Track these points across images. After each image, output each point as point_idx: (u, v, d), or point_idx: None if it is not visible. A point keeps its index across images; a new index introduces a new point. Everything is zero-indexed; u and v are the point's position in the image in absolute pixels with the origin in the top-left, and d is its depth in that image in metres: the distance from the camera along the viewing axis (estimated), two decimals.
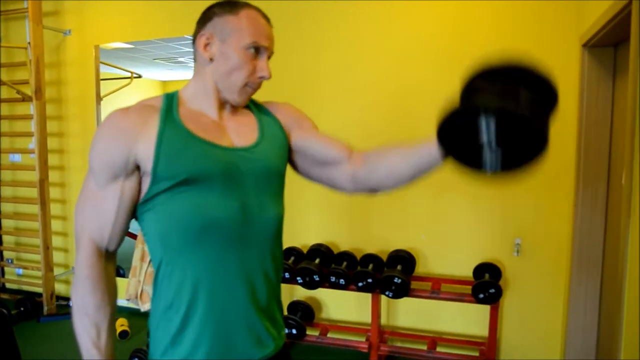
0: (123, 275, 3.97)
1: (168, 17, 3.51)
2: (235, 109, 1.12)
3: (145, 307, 2.17)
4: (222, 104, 1.10)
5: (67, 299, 3.95)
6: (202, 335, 1.00)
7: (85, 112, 3.83)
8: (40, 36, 3.56)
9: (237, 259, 1.03)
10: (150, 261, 2.08)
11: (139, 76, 4.40)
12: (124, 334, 3.25)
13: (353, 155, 1.15)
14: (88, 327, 0.99)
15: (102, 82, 3.87)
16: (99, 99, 3.81)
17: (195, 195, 0.98)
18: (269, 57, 1.09)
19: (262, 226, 1.06)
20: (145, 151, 0.97)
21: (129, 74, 4.28)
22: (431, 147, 0.99)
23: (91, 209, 1.00)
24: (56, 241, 3.92)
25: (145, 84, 4.65)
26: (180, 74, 5.08)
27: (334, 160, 1.14)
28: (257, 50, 1.05)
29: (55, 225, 3.90)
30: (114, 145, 0.97)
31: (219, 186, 1.00)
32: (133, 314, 3.48)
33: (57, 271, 3.89)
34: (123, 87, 4.19)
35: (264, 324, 1.07)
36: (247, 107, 1.17)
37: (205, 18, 1.07)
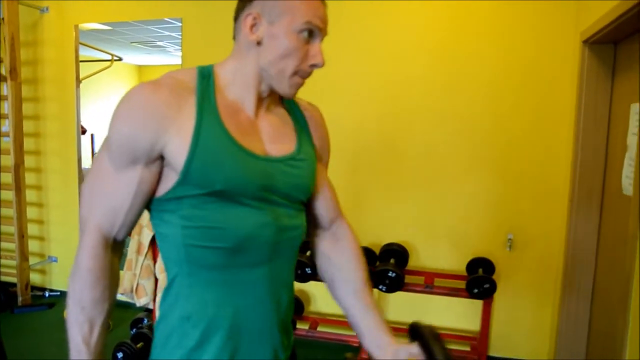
0: None
1: None
2: (270, 106, 1.01)
3: (141, 301, 2.07)
4: (261, 98, 0.98)
5: (43, 289, 3.80)
6: (223, 353, 0.93)
7: (63, 95, 3.65)
8: (15, 12, 3.36)
9: (267, 276, 0.95)
10: (146, 254, 1.99)
11: (120, 59, 4.22)
12: None
13: (334, 225, 1.14)
14: (81, 321, 0.89)
15: (80, 64, 3.69)
16: (78, 81, 3.64)
17: (230, 208, 0.88)
18: (321, 39, 0.96)
19: (290, 238, 0.99)
20: (177, 145, 0.85)
21: (107, 56, 4.11)
22: (368, 341, 1.02)
23: (103, 192, 0.89)
24: (32, 229, 3.74)
25: (122, 69, 4.47)
26: (159, 59, 4.90)
27: (319, 223, 1.12)
28: (311, 33, 0.92)
29: (31, 212, 3.73)
30: (140, 127, 0.85)
31: (254, 200, 0.91)
32: (115, 306, 3.36)
33: (32, 260, 3.72)
34: (103, 69, 4.01)
35: (281, 338, 1.01)
36: (281, 103, 1.06)
37: None
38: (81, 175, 3.73)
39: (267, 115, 1.00)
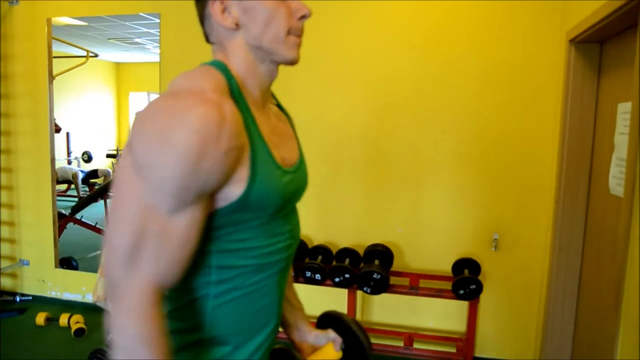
0: (76, 268, 3.71)
1: None
2: (267, 102, 0.94)
3: None
4: (262, 91, 0.90)
5: (13, 293, 3.64)
6: None
7: (35, 91, 3.50)
8: None
9: (279, 284, 0.93)
10: None
11: (95, 55, 4.10)
12: (80, 331, 3.01)
13: None
14: None
15: (53, 60, 3.55)
16: (51, 77, 3.50)
17: (264, 226, 0.84)
18: None
19: (296, 244, 0.98)
20: (241, 174, 0.76)
21: (82, 53, 3.97)
22: (294, 332, 1.15)
23: (159, 246, 0.71)
24: (2, 231, 3.60)
25: (99, 65, 4.35)
26: (137, 56, 4.78)
27: None
28: None
29: (1, 214, 3.57)
30: (215, 164, 0.71)
31: (282, 213, 0.89)
32: (89, 310, 3.24)
33: (2, 264, 3.57)
34: (78, 66, 3.89)
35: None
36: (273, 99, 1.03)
37: None
38: (54, 174, 3.59)
39: (270, 113, 0.95)
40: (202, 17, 0.87)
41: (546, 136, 2.62)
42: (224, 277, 0.82)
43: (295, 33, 0.87)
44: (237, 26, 0.84)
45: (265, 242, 0.85)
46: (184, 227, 0.73)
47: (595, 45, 2.31)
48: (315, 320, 1.20)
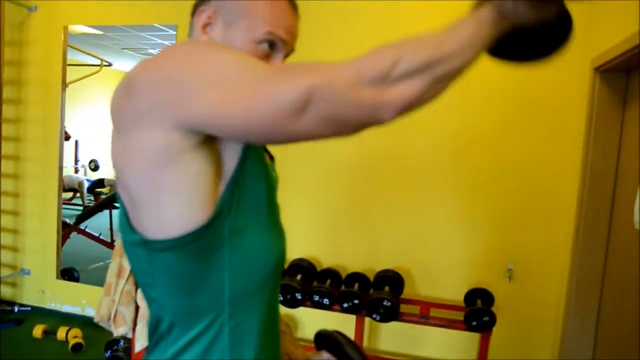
0: (77, 279, 3.64)
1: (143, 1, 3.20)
2: None
3: (119, 331, 1.88)
4: None
5: (12, 303, 3.57)
6: None
7: (47, 98, 3.47)
8: (1, 10, 3.21)
9: (277, 299, 0.89)
10: (127, 278, 1.81)
11: (110, 64, 4.09)
12: (77, 346, 2.92)
13: None
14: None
15: (67, 67, 3.53)
16: (64, 84, 3.47)
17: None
18: (287, 56, 0.82)
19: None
20: None
21: (95, 61, 3.97)
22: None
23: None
24: (5, 239, 3.54)
25: (112, 75, 4.32)
26: None
27: None
28: (272, 45, 0.77)
29: (5, 221, 3.52)
30: None
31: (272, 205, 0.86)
32: (88, 324, 3.15)
33: (3, 272, 3.51)
34: (92, 74, 3.88)
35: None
36: None
37: None
38: (61, 183, 3.54)
39: None
40: (192, 13, 0.83)
41: (567, 165, 2.54)
42: (237, 287, 0.75)
43: None
44: None
45: (269, 242, 0.81)
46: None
47: (621, 74, 2.25)
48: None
